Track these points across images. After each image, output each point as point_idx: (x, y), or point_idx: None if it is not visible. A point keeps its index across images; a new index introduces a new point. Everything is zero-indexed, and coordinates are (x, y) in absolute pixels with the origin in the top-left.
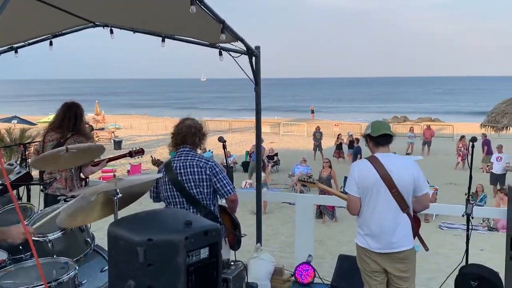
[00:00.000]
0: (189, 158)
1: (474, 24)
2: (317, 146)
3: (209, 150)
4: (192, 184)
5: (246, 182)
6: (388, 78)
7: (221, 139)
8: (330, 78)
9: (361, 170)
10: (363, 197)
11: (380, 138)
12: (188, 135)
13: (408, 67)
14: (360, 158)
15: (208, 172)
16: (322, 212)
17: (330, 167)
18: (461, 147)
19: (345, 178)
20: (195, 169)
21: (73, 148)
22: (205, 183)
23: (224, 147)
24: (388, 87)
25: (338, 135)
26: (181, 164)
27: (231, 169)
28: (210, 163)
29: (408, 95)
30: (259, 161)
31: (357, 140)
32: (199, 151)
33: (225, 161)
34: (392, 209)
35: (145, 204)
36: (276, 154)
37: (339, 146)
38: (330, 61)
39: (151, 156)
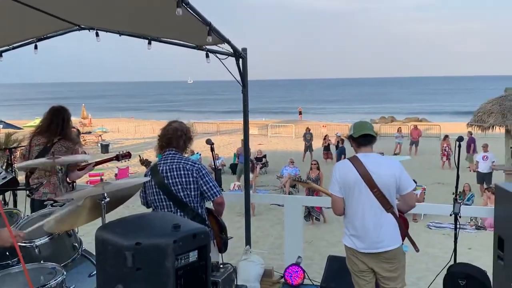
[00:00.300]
0: (175, 161)
1: (462, 24)
2: (308, 147)
3: (197, 153)
4: (179, 187)
5: (235, 184)
6: (378, 79)
7: (209, 142)
8: (318, 80)
9: (342, 170)
10: (346, 197)
11: (361, 139)
12: (173, 138)
13: (398, 68)
14: (344, 158)
15: (194, 174)
16: (310, 213)
17: (318, 168)
18: (445, 147)
19: None
20: (182, 172)
21: (59, 161)
22: (191, 186)
23: (212, 149)
24: (377, 87)
25: (325, 136)
26: (167, 167)
27: (219, 172)
28: (196, 165)
29: (396, 96)
30: (247, 163)
31: (342, 140)
32: (185, 155)
33: (213, 163)
34: (375, 209)
35: (132, 207)
36: (265, 156)
37: (327, 147)
38: (317, 62)
39: (139, 156)
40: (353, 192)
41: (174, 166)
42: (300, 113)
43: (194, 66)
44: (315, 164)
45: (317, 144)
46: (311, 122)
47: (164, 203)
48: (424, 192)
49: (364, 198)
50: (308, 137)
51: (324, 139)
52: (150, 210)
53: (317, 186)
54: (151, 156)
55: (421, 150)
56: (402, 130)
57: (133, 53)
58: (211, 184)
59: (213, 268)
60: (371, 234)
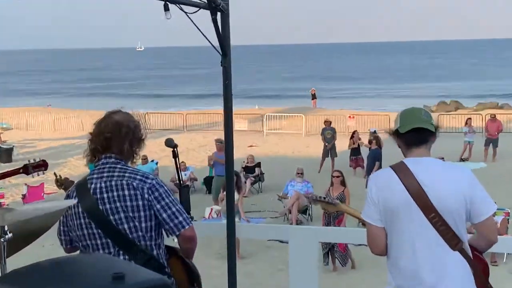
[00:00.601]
0: (116, 174)
1: None
2: (329, 151)
3: (152, 161)
4: (122, 215)
5: (212, 209)
6: (428, 43)
7: (170, 143)
8: (332, 45)
9: (381, 186)
10: (388, 227)
11: (412, 135)
12: (113, 138)
13: (459, 27)
14: (380, 167)
15: (146, 195)
16: (331, 253)
17: (344, 183)
18: None
19: None
20: (126, 192)
21: None
22: (142, 213)
23: (176, 155)
24: (427, 56)
25: (353, 133)
26: (103, 184)
27: (186, 190)
28: (149, 181)
29: (460, 68)
30: (231, 176)
31: (376, 139)
32: (133, 165)
33: (177, 177)
34: (433, 245)
35: (51, 247)
36: (259, 165)
37: (356, 150)
38: (330, 18)
39: (55, 174)
40: (399, 219)
41: (114, 183)
42: (314, 96)
43: (146, 26)
44: (338, 177)
45: (341, 145)
46: (330, 111)
47: (98, 241)
48: (508, 219)
49: (417, 228)
50: (328, 134)
51: (352, 137)
52: (77, 252)
53: (351, 209)
54: (80, 167)
55: (503, 153)
56: (472, 122)
57: (54, 10)
58: (173, 209)
59: None
60: (428, 284)
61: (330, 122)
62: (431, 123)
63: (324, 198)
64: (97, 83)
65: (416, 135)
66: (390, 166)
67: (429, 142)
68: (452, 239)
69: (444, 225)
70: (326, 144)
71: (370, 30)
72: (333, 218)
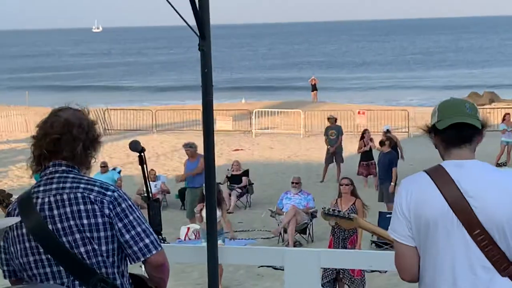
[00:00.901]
0: (68, 185)
1: None
2: (334, 155)
3: (114, 168)
4: (78, 236)
5: (189, 228)
6: (450, 20)
7: (135, 147)
8: (329, 23)
9: (413, 195)
10: (421, 247)
11: (451, 133)
12: (63, 140)
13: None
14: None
15: (107, 210)
16: (339, 279)
17: (354, 193)
18: None
19: (381, 213)
20: (82, 207)
21: None
22: (102, 233)
23: (143, 161)
24: (443, 35)
25: (363, 133)
26: (52, 198)
27: (156, 205)
28: (110, 193)
29: (489, 51)
30: (211, 188)
31: (389, 140)
32: (88, 173)
33: (145, 188)
34: (478, 269)
35: None
36: (246, 173)
37: (367, 155)
38: None
39: None
40: (435, 237)
41: (65, 196)
42: (315, 87)
43: (104, 1)
44: (348, 185)
45: (349, 148)
46: (335, 106)
47: (48, 269)
48: None
49: (457, 248)
50: (332, 134)
51: (362, 138)
52: (21, 285)
53: (372, 226)
54: (24, 177)
55: None
56: None
57: None
58: (138, 229)
59: None
60: None
61: (335, 120)
62: (477, 118)
63: (339, 211)
64: (44, 73)
65: (458, 132)
66: (425, 170)
67: (474, 142)
68: (500, 262)
69: (491, 244)
70: (330, 146)
71: (381, 4)
72: (343, 238)
